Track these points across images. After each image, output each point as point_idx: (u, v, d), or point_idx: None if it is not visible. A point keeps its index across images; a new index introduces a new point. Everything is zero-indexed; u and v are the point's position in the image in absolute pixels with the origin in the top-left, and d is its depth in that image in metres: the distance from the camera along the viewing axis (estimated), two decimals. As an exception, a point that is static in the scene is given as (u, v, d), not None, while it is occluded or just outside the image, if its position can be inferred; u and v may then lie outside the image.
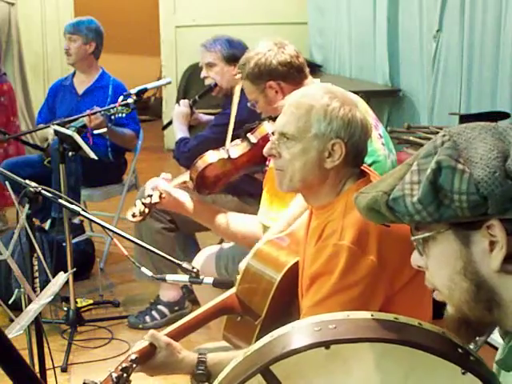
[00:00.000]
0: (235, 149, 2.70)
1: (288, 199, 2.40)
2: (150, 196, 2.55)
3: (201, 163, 2.65)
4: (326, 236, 1.76)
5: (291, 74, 2.60)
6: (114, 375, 1.68)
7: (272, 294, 1.93)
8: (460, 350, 1.10)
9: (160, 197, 2.54)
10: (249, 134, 2.70)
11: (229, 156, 2.66)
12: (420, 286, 1.77)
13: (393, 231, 1.71)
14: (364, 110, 2.73)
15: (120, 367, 1.71)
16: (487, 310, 1.09)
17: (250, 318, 1.98)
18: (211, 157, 2.67)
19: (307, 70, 2.69)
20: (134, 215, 2.56)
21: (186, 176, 2.69)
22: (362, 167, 1.92)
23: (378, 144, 2.65)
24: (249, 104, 2.71)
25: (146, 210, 2.55)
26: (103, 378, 1.71)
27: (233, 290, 2.03)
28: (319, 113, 1.79)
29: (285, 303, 1.82)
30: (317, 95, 1.83)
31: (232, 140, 2.80)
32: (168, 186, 2.57)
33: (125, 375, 1.70)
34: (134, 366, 1.74)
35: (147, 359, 1.78)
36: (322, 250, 1.75)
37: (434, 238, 1.11)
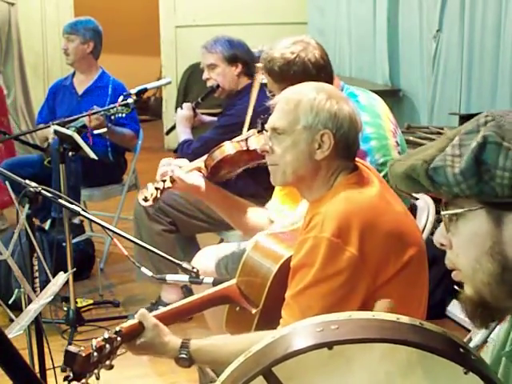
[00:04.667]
0: (253, 140, 2.67)
1: (298, 199, 2.40)
2: (164, 181, 2.53)
3: (218, 154, 2.62)
4: (310, 228, 1.79)
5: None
6: (94, 343, 1.67)
7: (269, 285, 1.96)
8: (462, 350, 1.10)
9: (172, 181, 2.52)
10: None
11: (247, 148, 2.64)
12: (407, 281, 1.79)
13: (378, 226, 1.75)
14: (384, 114, 2.72)
15: (102, 337, 1.70)
16: (508, 294, 1.09)
17: (249, 308, 2.01)
18: (229, 148, 2.64)
19: (332, 70, 2.63)
20: (145, 199, 2.54)
21: (200, 163, 2.66)
22: (358, 162, 1.94)
23: (395, 153, 2.62)
24: (267, 92, 2.67)
25: (159, 195, 2.54)
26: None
27: (233, 281, 2.06)
28: (306, 106, 1.85)
29: (282, 294, 1.84)
30: (305, 90, 1.90)
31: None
32: (181, 172, 2.55)
33: (108, 346, 1.69)
34: (119, 338, 1.73)
35: (134, 337, 1.80)
36: (304, 242, 1.78)
37: (464, 215, 1.10)
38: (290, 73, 2.49)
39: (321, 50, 2.56)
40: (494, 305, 1.11)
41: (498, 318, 1.15)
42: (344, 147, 1.86)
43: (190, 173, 2.55)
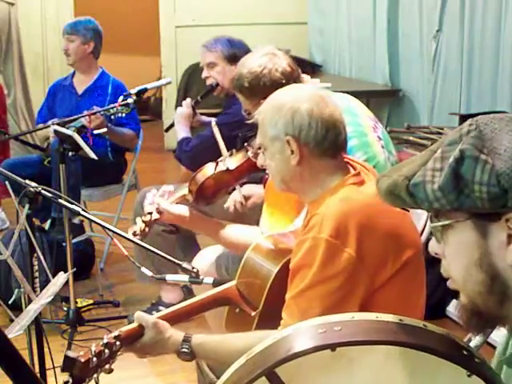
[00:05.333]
0: (233, 160, 2.71)
1: (287, 208, 2.40)
2: (150, 213, 2.55)
3: (200, 176, 2.66)
4: (308, 229, 1.80)
5: None
6: (93, 348, 1.66)
7: (269, 287, 1.97)
8: (465, 352, 1.10)
9: (159, 213, 2.55)
10: (246, 144, 2.70)
11: (227, 168, 2.68)
12: (405, 282, 1.80)
13: (376, 227, 1.76)
14: (362, 112, 2.74)
15: (101, 342, 1.70)
16: (499, 304, 1.08)
17: (248, 309, 2.01)
18: (210, 169, 2.68)
19: (302, 77, 2.67)
20: (135, 233, 2.56)
21: (184, 189, 2.70)
22: (356, 162, 1.95)
23: (378, 147, 2.65)
24: (243, 111, 2.70)
25: (147, 229, 2.56)
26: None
27: (233, 282, 2.06)
28: (267, 118, 1.89)
29: (282, 296, 1.84)
30: (271, 101, 1.93)
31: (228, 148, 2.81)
32: (167, 204, 2.58)
33: (107, 351, 1.69)
34: (118, 343, 1.72)
35: (135, 339, 1.80)
36: (303, 243, 1.78)
37: (452, 226, 1.10)
38: (260, 85, 2.52)
39: (288, 60, 2.60)
40: (488, 314, 1.11)
41: (493, 327, 1.15)
42: (316, 145, 1.85)
43: (175, 204, 2.58)
